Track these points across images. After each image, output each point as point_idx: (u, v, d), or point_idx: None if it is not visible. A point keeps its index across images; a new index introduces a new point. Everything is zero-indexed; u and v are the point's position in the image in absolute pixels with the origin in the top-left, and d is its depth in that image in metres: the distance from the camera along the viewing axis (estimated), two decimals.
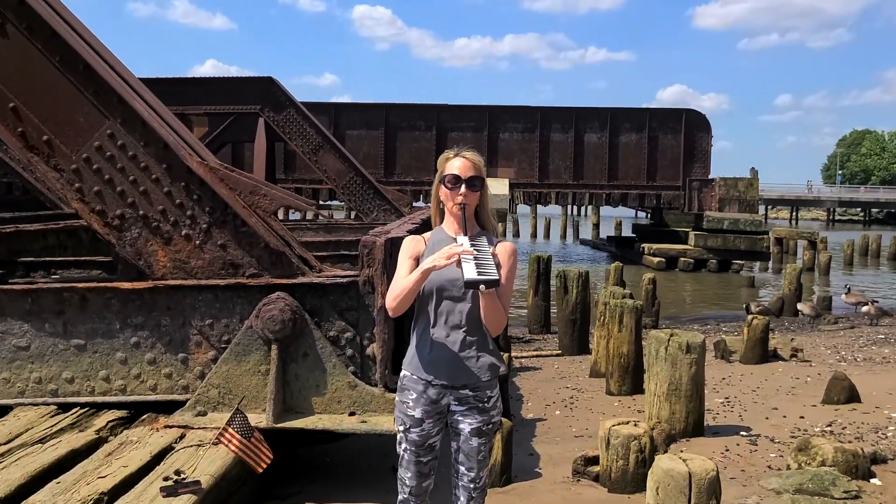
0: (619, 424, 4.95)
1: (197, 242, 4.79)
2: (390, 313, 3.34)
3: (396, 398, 3.45)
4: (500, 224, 28.98)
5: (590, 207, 45.65)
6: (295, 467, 5.17)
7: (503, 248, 3.42)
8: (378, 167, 26.37)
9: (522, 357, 10.31)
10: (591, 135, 28.00)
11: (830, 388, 7.16)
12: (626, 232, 39.53)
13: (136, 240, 4.77)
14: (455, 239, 3.28)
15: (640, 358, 7.80)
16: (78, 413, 4.68)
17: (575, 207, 50.18)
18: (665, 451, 5.66)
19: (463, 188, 3.34)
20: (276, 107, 14.99)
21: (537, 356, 10.51)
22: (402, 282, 3.28)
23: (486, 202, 3.53)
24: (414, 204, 21.94)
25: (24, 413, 4.64)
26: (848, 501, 4.14)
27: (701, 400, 6.08)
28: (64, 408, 4.74)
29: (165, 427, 4.58)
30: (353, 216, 17.70)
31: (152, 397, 4.81)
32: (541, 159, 27.59)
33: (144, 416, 4.75)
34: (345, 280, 4.81)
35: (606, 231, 44.20)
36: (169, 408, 4.79)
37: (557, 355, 10.61)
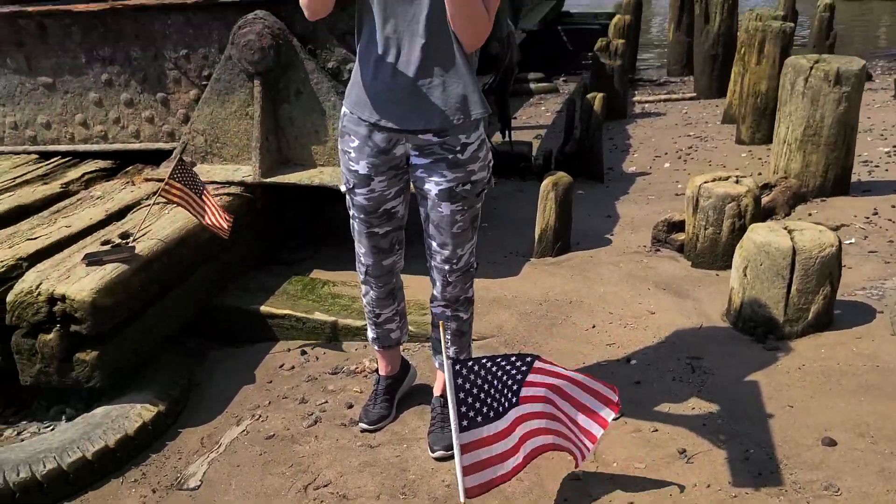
0: (713, 181, 3.68)
1: None
2: (306, 14, 2.20)
3: (338, 146, 2.42)
4: None
5: None
6: (313, 229, 4.41)
7: None
8: None
9: (646, 102, 8.78)
10: None
11: None
12: None
13: None
14: None
15: None
16: (56, 163, 4.06)
17: None
18: (787, 214, 4.36)
19: None
20: None
21: (666, 100, 8.93)
22: None
23: None
24: None
25: (0, 163, 4.08)
26: None
27: (849, 148, 4.56)
28: (46, 156, 4.14)
29: (145, 181, 3.88)
30: None
31: (136, 145, 4.08)
32: None
33: (129, 168, 4.07)
34: None
35: None
36: (158, 158, 4.06)
37: (691, 99, 8.96)
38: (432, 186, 2.32)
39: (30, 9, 3.91)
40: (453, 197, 2.31)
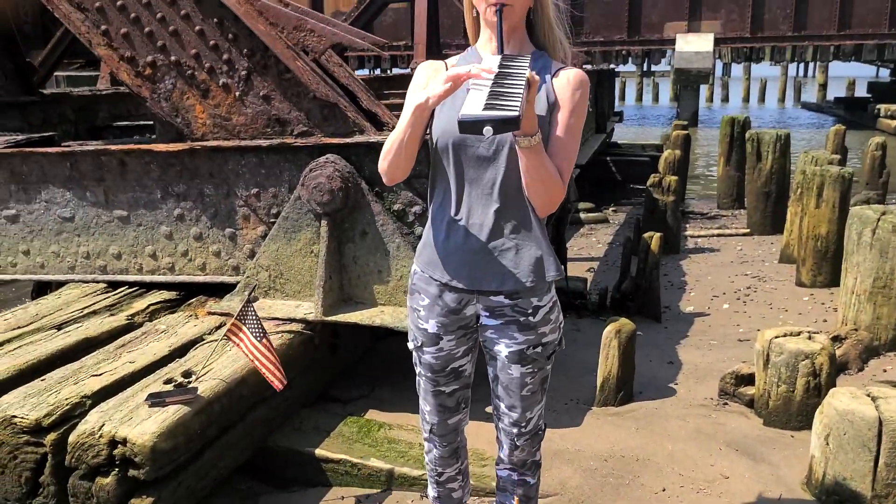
0: (784, 336, 3.57)
1: (237, 94, 3.90)
2: (385, 180, 2.24)
3: (408, 303, 2.41)
4: (704, 82, 25.42)
5: (813, 65, 39.75)
6: (369, 365, 4.37)
7: (564, 78, 2.16)
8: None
9: (699, 236, 8.75)
10: None
11: None
12: (862, 94, 34.09)
13: (170, 92, 3.97)
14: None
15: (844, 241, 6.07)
16: (123, 293, 4.14)
17: (795, 65, 44.12)
18: (860, 369, 4.19)
19: None
20: None
21: (719, 235, 8.90)
22: (394, 130, 2.15)
23: (547, 6, 2.24)
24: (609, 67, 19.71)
25: (70, 291, 4.18)
26: None
27: None
28: (113, 286, 4.23)
29: (208, 314, 3.91)
30: None
31: (201, 278, 4.15)
32: (753, 8, 23.78)
33: (193, 300, 4.12)
34: None
35: (836, 94, 38.48)
36: (222, 291, 4.12)
37: (744, 235, 8.92)
38: (502, 348, 2.27)
39: (113, 147, 4.11)
40: (524, 359, 2.26)
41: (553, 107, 2.12)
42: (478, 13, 2.21)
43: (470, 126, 1.75)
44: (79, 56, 12.24)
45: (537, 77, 1.94)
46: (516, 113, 1.73)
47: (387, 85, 11.70)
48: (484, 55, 2.17)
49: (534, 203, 2.15)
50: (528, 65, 1.96)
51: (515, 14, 2.15)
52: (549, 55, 2.24)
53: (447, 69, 2.22)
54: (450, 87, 1.93)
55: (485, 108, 1.75)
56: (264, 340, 3.07)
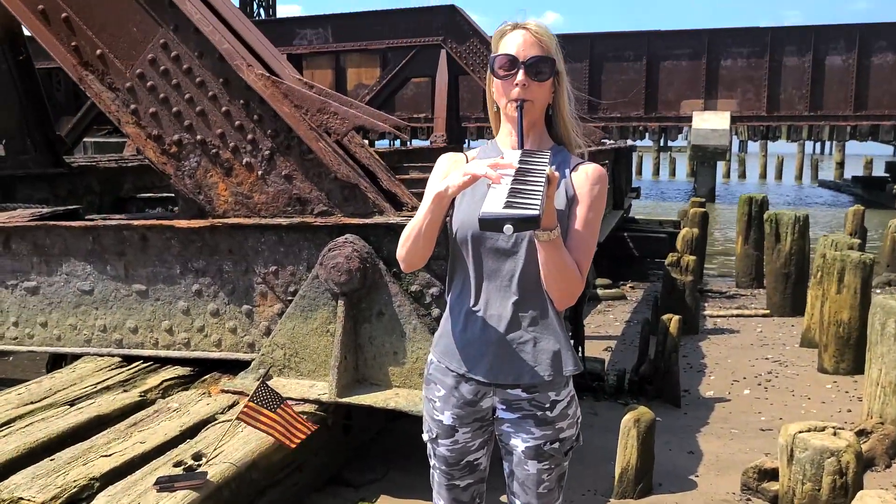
0: (808, 431, 3.47)
1: (259, 173, 3.96)
2: (402, 266, 2.24)
3: (423, 393, 2.38)
4: (721, 160, 25.55)
5: (830, 144, 40.06)
6: (383, 446, 4.29)
7: (583, 173, 2.17)
8: (581, 102, 24.56)
9: (718, 316, 8.65)
10: (833, 57, 23.94)
11: None
12: (879, 172, 34.17)
13: (194, 170, 4.04)
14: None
15: (867, 328, 5.97)
16: (137, 368, 4.11)
17: (811, 143, 44.40)
18: (886, 466, 4.05)
19: (520, 75, 2.12)
20: (459, 37, 14.15)
21: (738, 315, 8.79)
22: (413, 218, 2.16)
23: (563, 104, 2.27)
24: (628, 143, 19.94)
25: (84, 365, 4.16)
26: None
27: None
28: (128, 360, 4.21)
29: (221, 392, 3.88)
30: None
31: (216, 354, 4.13)
32: (769, 88, 24.13)
33: (207, 377, 4.09)
34: None
35: (853, 172, 38.58)
36: (237, 367, 4.09)
37: (764, 316, 8.81)
38: (519, 443, 2.22)
39: (135, 222, 4.16)
40: (540, 455, 2.21)
41: (572, 201, 2.13)
42: (499, 108, 2.24)
43: (490, 224, 1.75)
44: (106, 123, 12.60)
45: (557, 174, 1.95)
46: (537, 212, 1.73)
47: (407, 158, 11.90)
48: (504, 149, 2.19)
49: (552, 296, 2.13)
50: (547, 161, 1.97)
51: (535, 110, 2.18)
52: (567, 149, 2.26)
53: (467, 161, 2.25)
54: (469, 180, 1.95)
55: (505, 206, 1.76)
56: (279, 409, 3.04)
